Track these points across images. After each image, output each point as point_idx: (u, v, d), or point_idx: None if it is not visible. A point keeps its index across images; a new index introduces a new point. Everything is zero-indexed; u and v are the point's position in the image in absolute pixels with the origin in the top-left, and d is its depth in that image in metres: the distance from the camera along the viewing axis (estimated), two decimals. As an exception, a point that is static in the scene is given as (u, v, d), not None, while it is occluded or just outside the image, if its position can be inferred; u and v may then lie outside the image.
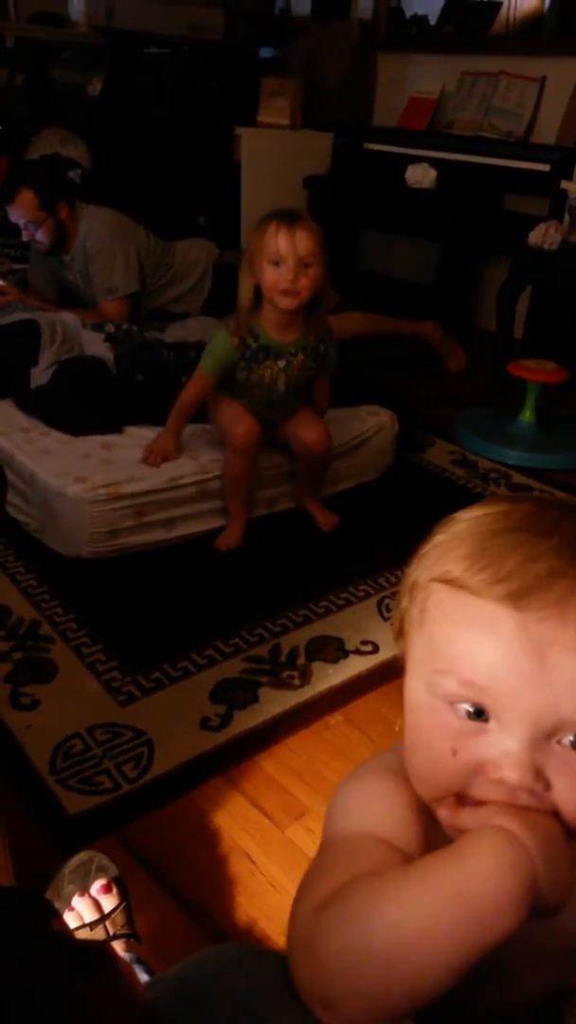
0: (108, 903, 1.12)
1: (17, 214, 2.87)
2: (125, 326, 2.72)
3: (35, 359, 2.45)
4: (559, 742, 0.51)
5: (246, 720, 1.54)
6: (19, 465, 2.08)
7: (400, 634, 0.62)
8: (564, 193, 3.08)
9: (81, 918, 1.10)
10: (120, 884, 1.15)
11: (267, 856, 1.28)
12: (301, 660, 1.71)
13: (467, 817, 0.53)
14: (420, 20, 4.11)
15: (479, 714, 0.52)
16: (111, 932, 1.09)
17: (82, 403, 2.27)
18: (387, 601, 1.91)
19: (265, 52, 4.34)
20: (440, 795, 0.55)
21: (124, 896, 1.14)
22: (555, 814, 0.51)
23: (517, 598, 0.50)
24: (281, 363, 2.00)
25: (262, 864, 1.27)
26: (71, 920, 1.10)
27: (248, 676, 1.66)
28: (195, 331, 2.74)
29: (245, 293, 1.92)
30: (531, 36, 3.73)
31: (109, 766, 1.41)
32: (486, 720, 0.52)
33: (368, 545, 2.14)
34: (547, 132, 3.57)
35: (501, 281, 3.11)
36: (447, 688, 0.53)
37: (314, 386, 2.13)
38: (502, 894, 0.46)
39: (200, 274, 3.18)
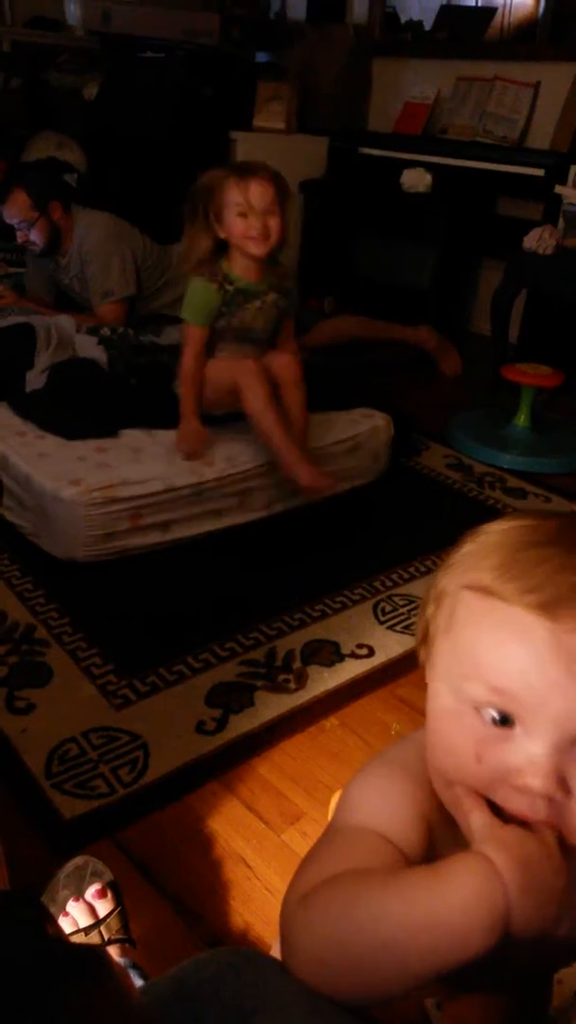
0: (103, 908, 1.11)
1: (10, 214, 2.88)
2: (121, 329, 2.72)
3: (30, 362, 2.45)
4: None
5: (242, 724, 1.54)
6: (14, 468, 2.07)
7: (423, 641, 0.62)
8: (558, 198, 3.09)
9: (76, 923, 1.09)
10: (115, 889, 1.14)
11: (263, 860, 1.28)
12: (297, 664, 1.71)
13: (475, 822, 0.53)
14: (415, 25, 4.12)
15: (504, 720, 0.53)
16: (106, 937, 1.08)
17: (76, 407, 2.27)
18: (383, 604, 1.91)
19: (261, 57, 4.35)
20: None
21: (119, 901, 1.13)
22: (559, 834, 0.52)
23: (549, 608, 0.51)
24: (257, 303, 2.12)
25: (258, 868, 1.27)
26: (66, 925, 1.09)
27: (244, 680, 1.66)
28: (190, 335, 2.73)
29: (203, 244, 2.05)
30: (525, 42, 3.75)
31: (104, 770, 1.41)
32: (511, 726, 0.52)
33: (363, 548, 2.15)
34: (541, 137, 3.58)
35: (496, 285, 3.12)
36: (474, 693, 0.54)
37: (281, 326, 2.24)
38: (473, 922, 0.48)
39: (196, 278, 3.18)
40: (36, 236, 2.90)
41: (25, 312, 2.81)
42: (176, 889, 1.22)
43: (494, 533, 0.58)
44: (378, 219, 4.03)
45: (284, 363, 2.17)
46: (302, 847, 1.30)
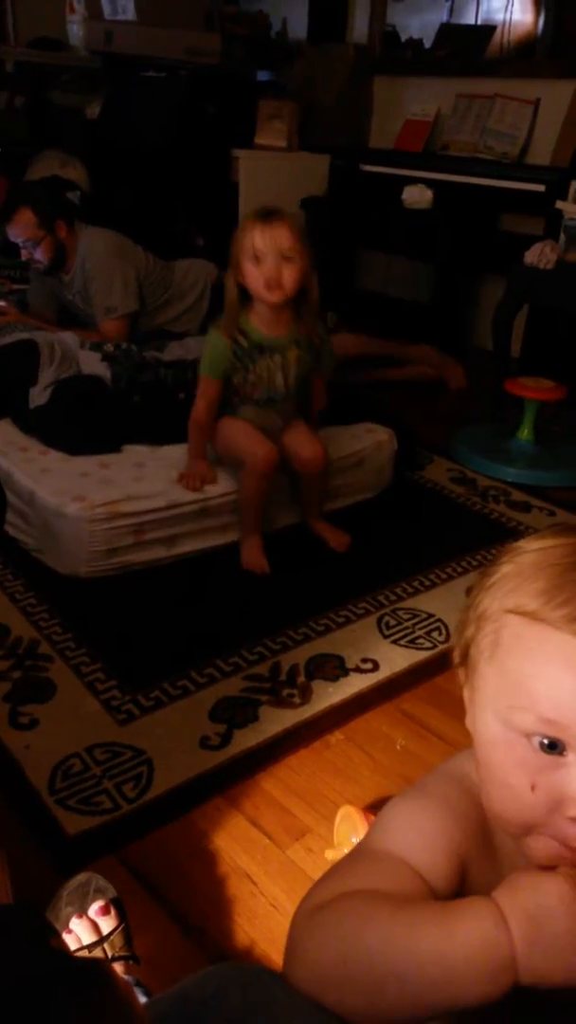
0: (106, 925, 1.10)
1: (16, 233, 2.90)
2: (124, 345, 2.74)
3: (34, 378, 2.46)
4: None
5: (246, 739, 1.53)
6: (18, 484, 2.08)
7: (463, 662, 0.60)
8: (559, 213, 3.10)
9: (79, 940, 1.08)
10: (118, 905, 1.14)
11: (267, 876, 1.27)
12: (301, 678, 1.70)
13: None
14: (415, 43, 4.15)
15: (553, 747, 0.52)
16: (109, 954, 1.07)
17: (80, 423, 2.27)
18: (387, 618, 1.91)
19: (262, 75, 4.39)
20: (525, 830, 0.55)
21: (122, 918, 1.12)
22: None
23: None
24: (277, 358, 2.01)
25: (262, 884, 1.26)
26: (69, 942, 1.08)
27: (248, 695, 1.65)
28: (193, 350, 2.74)
29: (230, 294, 1.96)
30: (525, 59, 3.78)
31: (108, 786, 1.40)
32: (562, 753, 0.52)
33: (368, 562, 2.14)
34: (542, 153, 3.61)
35: (497, 300, 3.13)
36: (525, 724, 0.53)
37: (312, 386, 2.14)
38: (474, 970, 0.47)
39: (198, 294, 3.19)
40: (41, 254, 2.92)
41: (28, 329, 2.82)
42: (180, 905, 1.21)
43: (533, 552, 0.56)
44: (380, 235, 4.05)
45: (312, 456, 2.09)
46: (307, 863, 1.29)
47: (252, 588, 2.02)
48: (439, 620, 1.91)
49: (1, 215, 2.93)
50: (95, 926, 1.10)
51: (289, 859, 1.30)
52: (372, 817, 1.27)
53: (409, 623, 1.90)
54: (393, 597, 1.99)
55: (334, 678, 1.71)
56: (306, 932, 0.54)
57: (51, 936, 0.52)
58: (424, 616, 1.93)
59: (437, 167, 3.77)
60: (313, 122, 4.18)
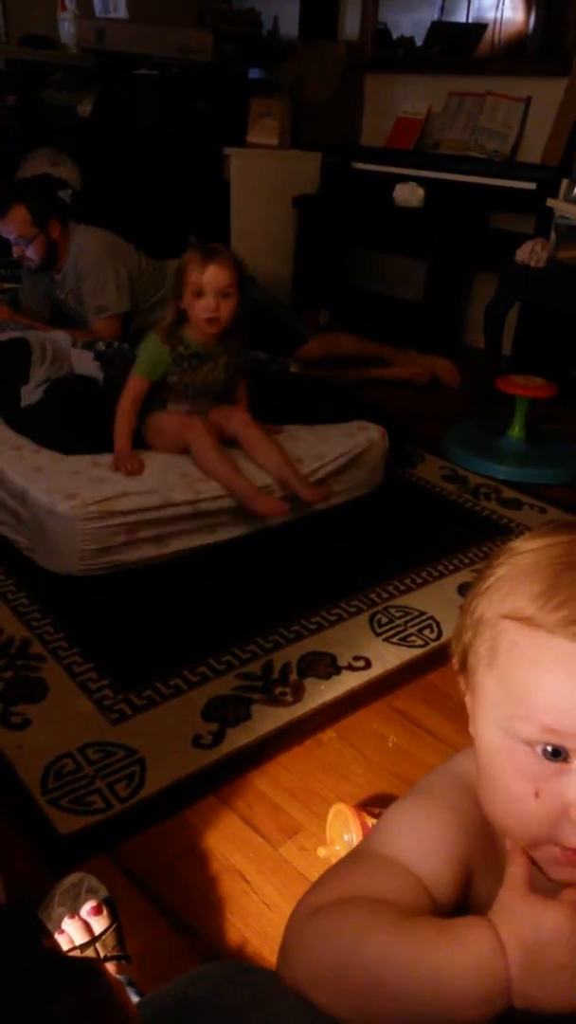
0: (98, 925, 1.10)
1: (8, 230, 2.89)
2: (116, 344, 2.73)
3: (26, 377, 2.45)
4: None
5: (238, 737, 1.53)
6: (10, 483, 2.07)
7: (462, 668, 0.60)
8: (550, 211, 3.11)
9: (71, 940, 1.08)
10: (110, 905, 1.14)
11: (260, 875, 1.27)
12: (293, 676, 1.71)
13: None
14: (407, 41, 4.15)
15: (557, 754, 0.51)
16: (102, 954, 1.07)
17: (72, 421, 2.27)
18: (379, 616, 1.91)
19: (254, 73, 4.38)
20: (530, 843, 0.54)
21: (114, 917, 1.12)
22: None
23: None
24: (210, 363, 2.23)
25: (255, 883, 1.26)
26: (61, 942, 1.08)
27: (240, 693, 1.65)
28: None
29: (171, 312, 2.19)
30: (516, 57, 3.78)
31: (101, 785, 1.40)
32: (565, 760, 0.51)
33: (360, 560, 2.14)
34: (533, 151, 3.61)
35: (489, 298, 3.13)
36: (526, 733, 0.52)
37: (235, 386, 2.35)
38: (475, 993, 0.48)
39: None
40: (33, 252, 2.91)
41: (20, 327, 2.82)
42: (173, 904, 1.22)
43: (528, 553, 0.55)
44: (371, 233, 4.06)
45: (238, 421, 2.26)
46: (300, 861, 1.29)
47: (244, 586, 2.02)
48: (431, 618, 1.92)
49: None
50: (87, 926, 1.10)
51: (282, 857, 1.30)
52: (364, 815, 1.27)
53: (401, 621, 1.90)
54: (385, 595, 2.00)
55: (326, 676, 1.71)
56: (304, 934, 0.54)
57: (43, 935, 0.52)
58: (416, 614, 1.93)
59: (428, 165, 3.78)
60: (305, 120, 4.17)
